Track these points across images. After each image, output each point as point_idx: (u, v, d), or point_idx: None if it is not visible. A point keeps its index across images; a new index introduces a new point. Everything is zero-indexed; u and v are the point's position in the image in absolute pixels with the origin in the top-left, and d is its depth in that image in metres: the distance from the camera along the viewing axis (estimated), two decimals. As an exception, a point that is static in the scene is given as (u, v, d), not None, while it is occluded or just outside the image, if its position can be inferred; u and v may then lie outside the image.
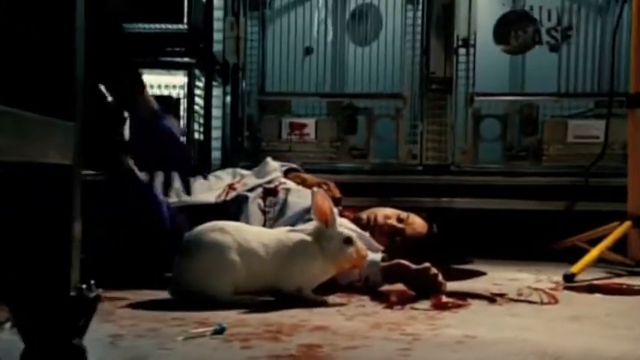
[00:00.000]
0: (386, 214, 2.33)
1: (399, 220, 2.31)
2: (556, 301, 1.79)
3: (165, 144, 1.73)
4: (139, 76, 2.06)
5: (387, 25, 3.20)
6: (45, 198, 0.91)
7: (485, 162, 3.19)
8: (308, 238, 1.71)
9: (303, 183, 2.39)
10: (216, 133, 3.25)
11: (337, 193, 2.37)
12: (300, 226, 2.15)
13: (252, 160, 2.75)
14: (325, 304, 1.68)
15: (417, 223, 2.32)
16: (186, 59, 2.91)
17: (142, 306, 1.61)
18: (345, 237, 1.70)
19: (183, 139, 1.82)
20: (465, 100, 3.16)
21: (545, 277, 2.27)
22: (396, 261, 1.90)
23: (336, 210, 1.78)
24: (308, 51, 3.24)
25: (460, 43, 3.15)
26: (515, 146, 3.20)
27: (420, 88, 3.18)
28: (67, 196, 0.92)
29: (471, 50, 3.14)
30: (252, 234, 1.70)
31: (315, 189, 1.75)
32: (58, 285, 0.91)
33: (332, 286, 1.80)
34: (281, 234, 1.75)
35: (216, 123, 3.25)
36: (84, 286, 0.93)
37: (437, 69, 3.15)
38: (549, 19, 3.16)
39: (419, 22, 3.17)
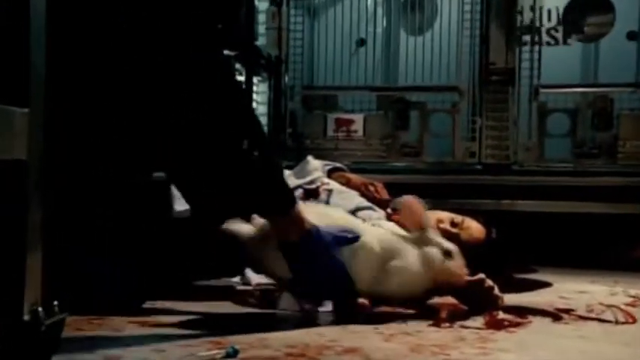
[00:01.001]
0: (439, 217, 2.18)
1: (453, 224, 2.15)
2: (634, 320, 1.58)
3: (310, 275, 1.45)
4: (289, 194, 1.46)
5: (442, 12, 3.07)
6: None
7: (551, 160, 3.00)
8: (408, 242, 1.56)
9: (348, 183, 2.28)
10: (262, 131, 3.15)
11: (385, 195, 2.25)
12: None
13: (296, 159, 2.66)
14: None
15: (474, 228, 2.16)
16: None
17: (156, 321, 1.46)
18: (446, 249, 1.55)
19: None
20: (530, 93, 2.99)
21: (620, 290, 2.07)
22: (445, 271, 1.73)
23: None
24: (362, 42, 3.13)
25: (524, 30, 2.96)
26: (587, 143, 3.01)
27: (478, 80, 3.03)
28: (21, 198, 0.77)
29: (537, 38, 2.95)
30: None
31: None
32: (7, 307, 0.76)
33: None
34: (381, 232, 1.58)
35: (262, 120, 3.16)
36: (40, 309, 0.78)
37: (497, 59, 2.97)
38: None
39: (477, 7, 3.00)
